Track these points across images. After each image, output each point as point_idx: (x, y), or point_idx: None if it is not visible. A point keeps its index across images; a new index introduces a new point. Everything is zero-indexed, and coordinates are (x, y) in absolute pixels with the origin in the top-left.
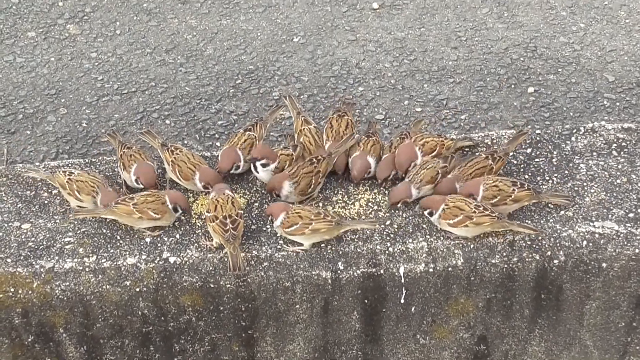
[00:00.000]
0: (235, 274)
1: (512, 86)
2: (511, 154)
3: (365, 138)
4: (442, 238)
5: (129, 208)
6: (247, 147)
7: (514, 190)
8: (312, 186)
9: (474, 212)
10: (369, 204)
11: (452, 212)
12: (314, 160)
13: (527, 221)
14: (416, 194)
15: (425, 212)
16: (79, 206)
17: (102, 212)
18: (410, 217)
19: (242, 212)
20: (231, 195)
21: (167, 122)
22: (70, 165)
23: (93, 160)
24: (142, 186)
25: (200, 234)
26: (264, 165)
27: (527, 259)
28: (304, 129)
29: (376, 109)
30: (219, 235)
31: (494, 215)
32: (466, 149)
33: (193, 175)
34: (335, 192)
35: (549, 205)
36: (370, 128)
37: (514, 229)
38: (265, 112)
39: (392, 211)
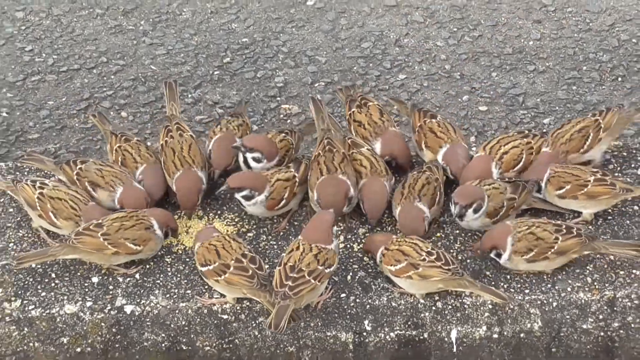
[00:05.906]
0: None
1: (619, 79)
2: (618, 175)
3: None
4: (512, 291)
5: (98, 241)
6: (283, 148)
7: (557, 238)
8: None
9: (423, 259)
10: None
11: (394, 255)
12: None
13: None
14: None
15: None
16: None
17: (59, 252)
18: (469, 260)
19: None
20: (221, 234)
21: (123, 114)
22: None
23: (17, 165)
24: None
25: (179, 281)
26: (256, 160)
27: (633, 325)
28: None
29: (423, 105)
30: (243, 282)
31: (447, 268)
32: None
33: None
34: (363, 221)
35: None
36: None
37: (475, 291)
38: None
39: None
